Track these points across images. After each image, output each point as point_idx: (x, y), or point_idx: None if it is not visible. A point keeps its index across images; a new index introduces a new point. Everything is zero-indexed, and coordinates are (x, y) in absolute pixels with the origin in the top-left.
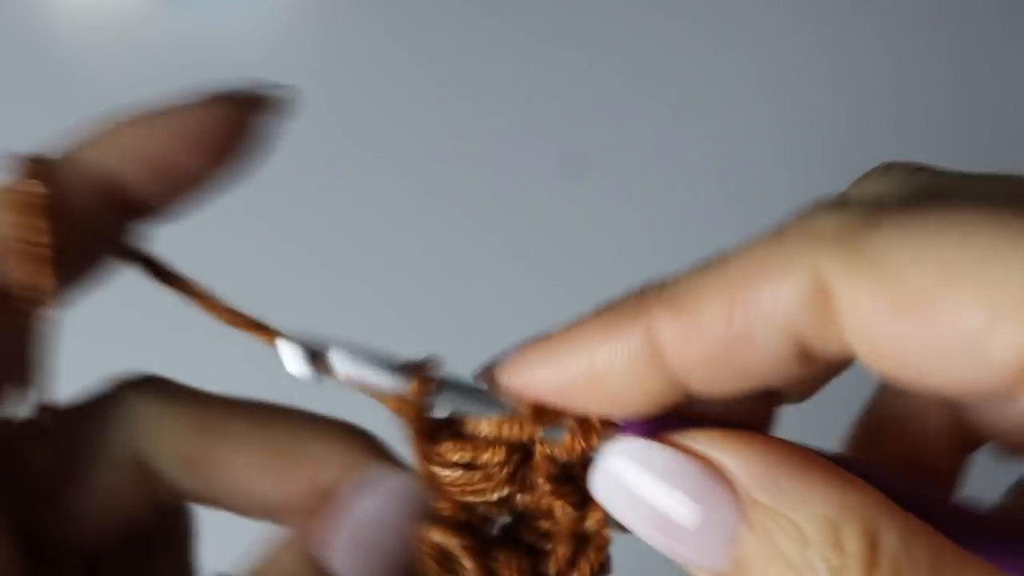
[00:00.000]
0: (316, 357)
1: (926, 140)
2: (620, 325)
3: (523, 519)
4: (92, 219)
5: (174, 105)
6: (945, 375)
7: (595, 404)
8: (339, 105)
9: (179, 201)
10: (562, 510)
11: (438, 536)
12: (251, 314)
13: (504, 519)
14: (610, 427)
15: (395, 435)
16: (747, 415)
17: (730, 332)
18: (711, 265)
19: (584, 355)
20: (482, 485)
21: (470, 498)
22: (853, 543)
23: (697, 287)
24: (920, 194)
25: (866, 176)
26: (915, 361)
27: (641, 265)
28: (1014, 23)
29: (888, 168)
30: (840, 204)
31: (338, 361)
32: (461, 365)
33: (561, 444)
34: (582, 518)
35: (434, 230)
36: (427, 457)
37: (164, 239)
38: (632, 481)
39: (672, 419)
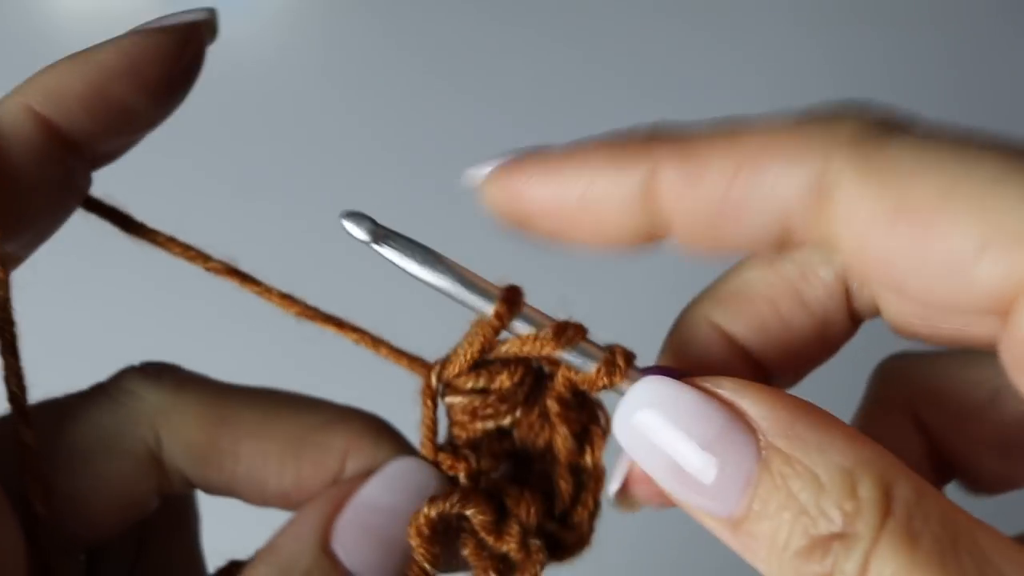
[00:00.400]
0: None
1: None
2: (626, 158)
3: (525, 462)
4: (33, 165)
5: (101, 43)
6: (927, 290)
7: (580, 230)
8: (339, 104)
9: (120, 136)
10: (563, 440)
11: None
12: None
13: (505, 468)
14: (633, 367)
15: (408, 421)
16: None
17: (727, 196)
18: (728, 128)
19: (583, 179)
20: (493, 409)
21: (481, 424)
22: (868, 490)
23: (709, 145)
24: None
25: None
26: (900, 272)
27: (641, 265)
28: (1016, 25)
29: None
30: (864, 111)
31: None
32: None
33: (582, 373)
34: (580, 451)
35: (433, 230)
36: (447, 391)
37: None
38: (657, 431)
39: (694, 370)
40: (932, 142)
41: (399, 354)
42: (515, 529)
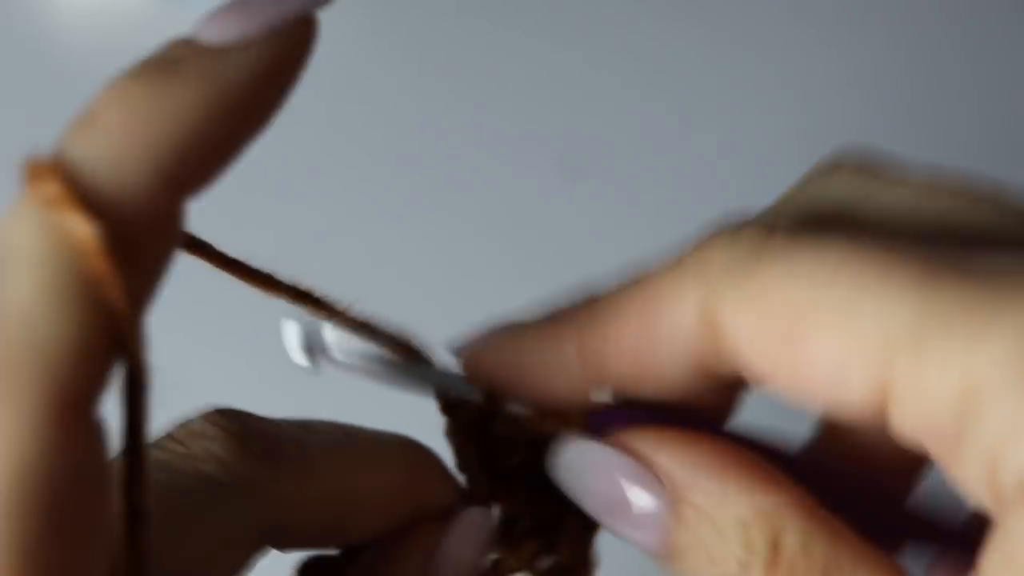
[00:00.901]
0: (313, 343)
1: (937, 141)
2: (558, 332)
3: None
4: (151, 225)
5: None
6: (821, 401)
7: (539, 394)
8: (338, 105)
9: (226, 164)
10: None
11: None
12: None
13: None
14: (574, 415)
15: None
16: (712, 401)
17: (640, 350)
18: (628, 283)
19: (531, 353)
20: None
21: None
22: (759, 542)
23: (613, 305)
24: (829, 214)
25: (807, 177)
26: (793, 387)
27: (639, 263)
28: (1015, 18)
29: (831, 170)
30: (735, 232)
31: (335, 342)
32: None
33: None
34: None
35: (432, 230)
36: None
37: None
38: (580, 475)
39: (634, 409)
40: (796, 258)
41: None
42: (564, 541)
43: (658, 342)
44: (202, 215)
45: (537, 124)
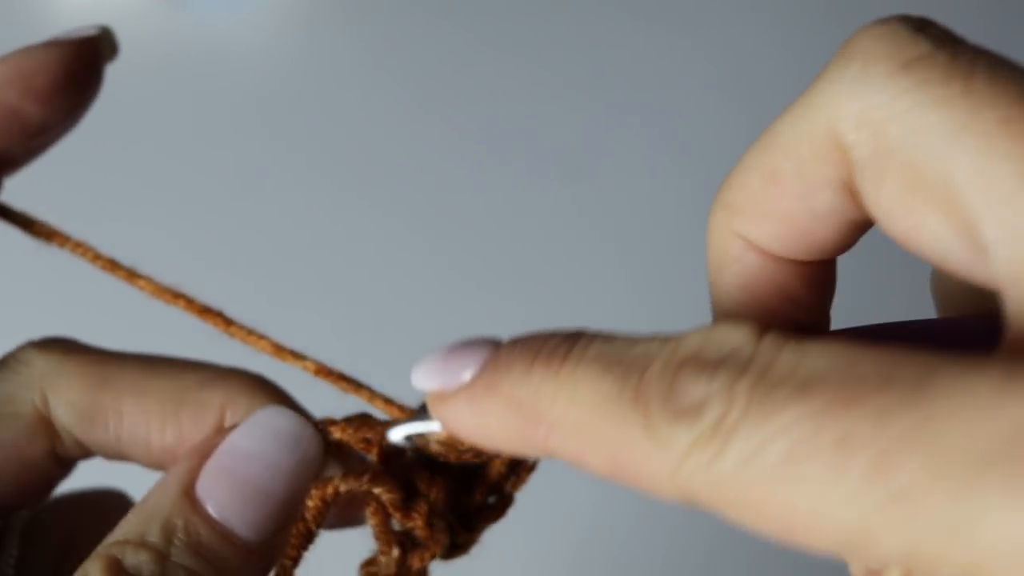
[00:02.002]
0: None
1: None
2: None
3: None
4: None
5: None
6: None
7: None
8: (337, 106)
9: (16, 142)
10: (499, 467)
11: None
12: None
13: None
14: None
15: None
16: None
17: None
18: (598, 414)
19: (475, 425)
20: (466, 456)
21: (442, 459)
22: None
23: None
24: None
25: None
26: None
27: (640, 265)
28: (1012, 24)
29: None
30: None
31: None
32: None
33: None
34: (506, 478)
35: (432, 232)
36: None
37: (165, 247)
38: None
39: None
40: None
41: (372, 394)
42: (423, 508)
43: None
44: (209, 210)
45: (536, 126)
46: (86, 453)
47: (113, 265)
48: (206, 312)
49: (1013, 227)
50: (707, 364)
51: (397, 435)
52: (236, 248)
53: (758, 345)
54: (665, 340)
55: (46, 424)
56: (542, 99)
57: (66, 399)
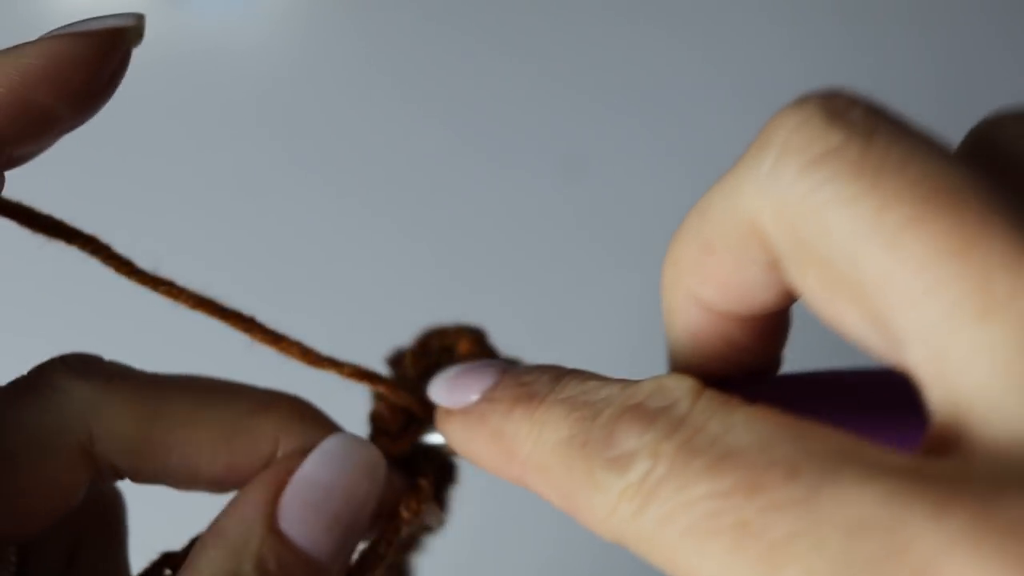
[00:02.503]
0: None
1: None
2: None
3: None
4: None
5: (22, 44)
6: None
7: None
8: (337, 105)
9: (38, 140)
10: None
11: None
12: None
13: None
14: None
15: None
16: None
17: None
18: (556, 457)
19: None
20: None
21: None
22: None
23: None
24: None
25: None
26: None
27: (640, 263)
28: (998, 24)
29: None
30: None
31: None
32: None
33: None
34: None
35: (433, 230)
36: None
37: (166, 245)
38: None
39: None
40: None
41: (361, 374)
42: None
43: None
44: (210, 210)
45: (538, 125)
46: (119, 479)
47: (129, 267)
48: (231, 317)
49: (922, 329)
50: (645, 416)
51: (430, 439)
52: (236, 247)
53: (693, 405)
54: (625, 386)
55: (87, 458)
56: (542, 98)
57: (113, 433)
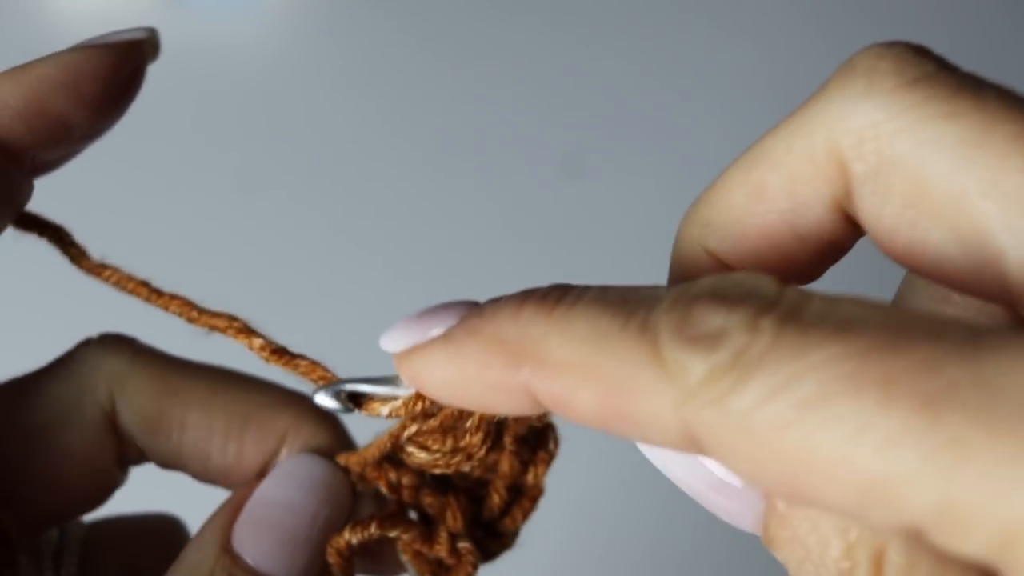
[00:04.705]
0: (339, 395)
1: None
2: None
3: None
4: None
5: (41, 57)
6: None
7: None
8: (341, 103)
9: (58, 148)
10: (509, 463)
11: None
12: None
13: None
14: None
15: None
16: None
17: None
18: (596, 346)
19: (464, 379)
20: (459, 460)
21: (440, 470)
22: (861, 554)
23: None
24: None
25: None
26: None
27: (640, 263)
28: (1014, 19)
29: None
30: (713, 342)
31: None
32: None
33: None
34: (524, 471)
35: (435, 227)
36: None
37: (168, 245)
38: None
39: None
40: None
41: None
42: (443, 536)
43: (633, 427)
44: (210, 210)
45: (539, 122)
46: (143, 459)
47: (148, 290)
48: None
49: None
50: (726, 299)
51: (344, 388)
52: (236, 245)
53: (783, 288)
54: (678, 285)
55: (113, 429)
56: (543, 97)
57: (133, 404)
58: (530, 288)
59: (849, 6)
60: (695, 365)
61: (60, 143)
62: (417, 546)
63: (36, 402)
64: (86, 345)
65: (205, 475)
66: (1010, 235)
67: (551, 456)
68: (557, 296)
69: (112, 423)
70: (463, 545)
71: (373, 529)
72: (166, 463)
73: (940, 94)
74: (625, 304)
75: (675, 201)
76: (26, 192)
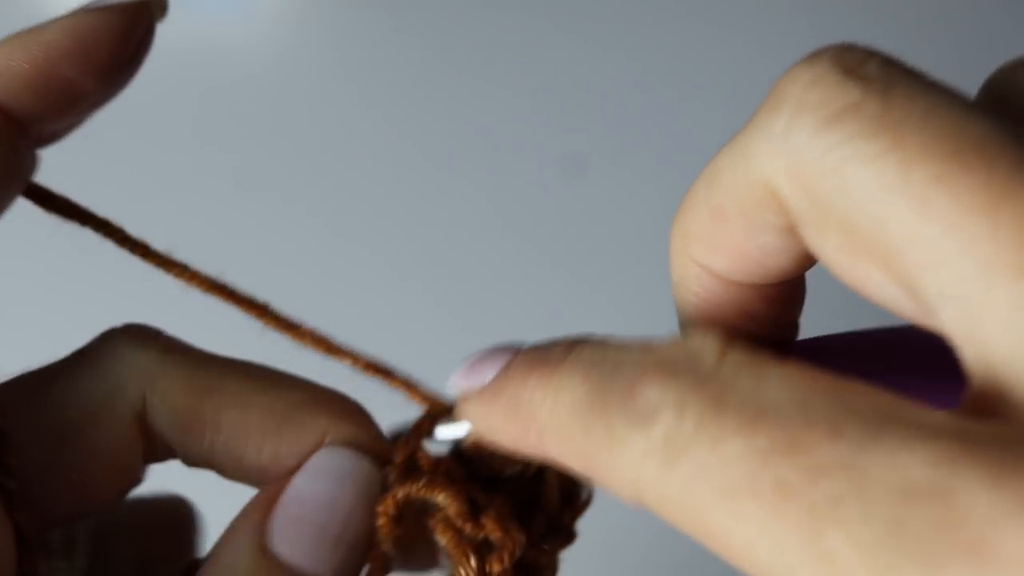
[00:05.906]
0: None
1: None
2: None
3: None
4: None
5: (47, 21)
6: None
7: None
8: (340, 103)
9: (66, 116)
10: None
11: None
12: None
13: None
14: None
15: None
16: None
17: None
18: (573, 418)
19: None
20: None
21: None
22: None
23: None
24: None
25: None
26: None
27: (641, 263)
28: (1016, 17)
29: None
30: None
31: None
32: (459, 364)
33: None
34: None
35: (435, 228)
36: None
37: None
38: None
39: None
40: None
41: (411, 387)
42: (492, 512)
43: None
44: (211, 210)
45: (539, 122)
46: (170, 457)
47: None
48: (246, 303)
49: (955, 288)
50: (666, 372)
51: (440, 435)
52: (235, 245)
53: (720, 360)
54: (646, 347)
55: (143, 429)
56: (542, 97)
57: (167, 404)
58: (549, 342)
59: (852, 8)
60: (636, 441)
61: (69, 111)
62: (460, 523)
63: (64, 399)
64: (112, 337)
65: (238, 476)
66: (934, 288)
67: (585, 504)
68: (558, 360)
69: (142, 422)
70: (512, 522)
71: (423, 486)
72: (196, 462)
73: (863, 130)
74: (601, 371)
75: (676, 201)
76: (33, 161)
